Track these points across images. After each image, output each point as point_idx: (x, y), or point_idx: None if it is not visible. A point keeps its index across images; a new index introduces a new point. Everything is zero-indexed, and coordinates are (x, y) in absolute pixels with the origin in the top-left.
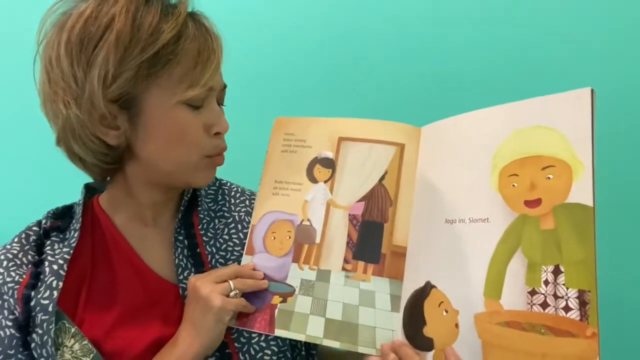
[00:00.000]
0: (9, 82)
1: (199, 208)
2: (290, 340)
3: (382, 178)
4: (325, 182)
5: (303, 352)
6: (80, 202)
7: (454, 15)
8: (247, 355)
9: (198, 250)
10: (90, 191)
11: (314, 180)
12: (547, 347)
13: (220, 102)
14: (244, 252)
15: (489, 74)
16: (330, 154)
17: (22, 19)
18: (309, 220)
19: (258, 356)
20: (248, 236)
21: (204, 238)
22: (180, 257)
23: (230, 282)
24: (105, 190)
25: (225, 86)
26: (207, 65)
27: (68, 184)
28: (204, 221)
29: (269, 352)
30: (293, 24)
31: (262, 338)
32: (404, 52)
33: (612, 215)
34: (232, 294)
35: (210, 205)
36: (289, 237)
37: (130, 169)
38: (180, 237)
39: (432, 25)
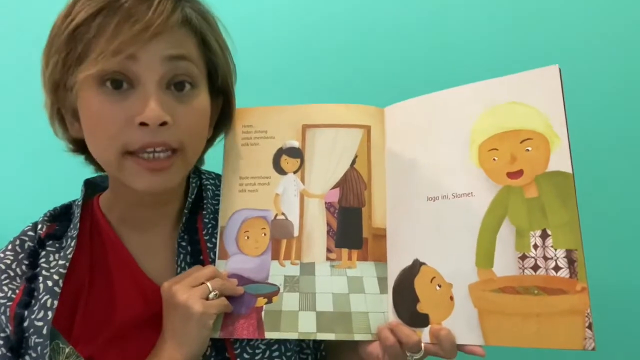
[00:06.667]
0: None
1: (204, 212)
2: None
3: (354, 162)
4: (295, 172)
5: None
6: (79, 202)
7: None
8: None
9: (201, 257)
10: (91, 187)
11: (282, 171)
12: (541, 307)
13: (172, 83)
14: (217, 257)
15: (452, 54)
16: (296, 143)
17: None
18: (283, 213)
19: (257, 357)
20: (218, 239)
21: (209, 244)
22: (183, 264)
23: (208, 284)
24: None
25: (173, 57)
26: (121, 31)
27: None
28: (209, 226)
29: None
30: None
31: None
32: (364, 33)
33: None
34: (211, 295)
35: (217, 207)
36: (264, 234)
37: None
38: (184, 244)
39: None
